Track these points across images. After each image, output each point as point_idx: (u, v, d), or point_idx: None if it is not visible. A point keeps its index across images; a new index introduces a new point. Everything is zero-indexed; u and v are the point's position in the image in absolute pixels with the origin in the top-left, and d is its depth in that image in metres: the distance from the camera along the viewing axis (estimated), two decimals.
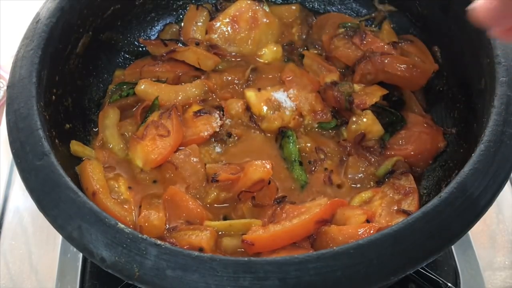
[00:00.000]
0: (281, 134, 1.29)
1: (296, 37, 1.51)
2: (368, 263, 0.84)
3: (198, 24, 1.49)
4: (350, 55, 1.38)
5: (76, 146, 1.22)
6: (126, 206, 1.15)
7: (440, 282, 1.17)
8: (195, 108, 1.32)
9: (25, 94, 1.07)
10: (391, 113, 1.31)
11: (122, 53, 1.47)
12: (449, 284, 1.17)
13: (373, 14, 1.52)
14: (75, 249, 1.10)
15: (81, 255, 1.25)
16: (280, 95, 1.33)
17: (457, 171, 1.03)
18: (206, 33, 1.47)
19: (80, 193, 0.94)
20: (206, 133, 1.28)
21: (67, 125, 1.24)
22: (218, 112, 1.31)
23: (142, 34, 1.50)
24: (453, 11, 1.27)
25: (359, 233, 1.01)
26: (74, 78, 1.30)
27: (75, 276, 1.23)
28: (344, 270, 0.84)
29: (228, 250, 1.09)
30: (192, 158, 1.22)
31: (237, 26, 1.45)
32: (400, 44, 1.39)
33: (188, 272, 0.84)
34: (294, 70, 1.40)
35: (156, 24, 1.53)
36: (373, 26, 1.51)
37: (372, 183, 1.24)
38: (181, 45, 1.42)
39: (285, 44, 1.48)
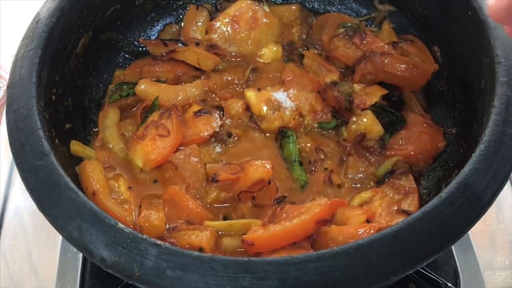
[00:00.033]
0: (281, 134, 1.29)
1: (296, 37, 1.51)
2: (368, 263, 0.84)
3: (198, 24, 1.49)
4: (350, 55, 1.38)
5: (76, 146, 1.22)
6: (126, 206, 1.15)
7: (440, 282, 1.17)
8: (195, 108, 1.32)
9: (25, 94, 1.07)
10: (391, 113, 1.30)
11: (122, 53, 1.47)
12: (449, 284, 1.17)
13: (373, 14, 1.52)
14: (75, 249, 1.10)
15: (81, 255, 1.25)
16: (280, 95, 1.33)
17: (457, 171, 1.03)
18: (206, 33, 1.47)
19: (80, 193, 0.94)
20: (206, 133, 1.28)
21: (67, 125, 1.24)
22: (218, 112, 1.31)
23: (142, 34, 1.50)
24: (453, 11, 1.27)
25: (359, 233, 1.01)
26: (74, 78, 1.30)
27: (75, 276, 1.22)
28: (344, 270, 0.84)
29: (228, 250, 1.09)
30: (192, 158, 1.22)
31: (237, 26, 1.45)
32: (400, 44, 1.39)
33: (188, 272, 0.84)
34: (294, 70, 1.39)
35: (156, 24, 1.53)
36: (373, 26, 1.51)
37: (372, 183, 1.24)
38: (181, 45, 1.42)
39: (285, 44, 1.48)
